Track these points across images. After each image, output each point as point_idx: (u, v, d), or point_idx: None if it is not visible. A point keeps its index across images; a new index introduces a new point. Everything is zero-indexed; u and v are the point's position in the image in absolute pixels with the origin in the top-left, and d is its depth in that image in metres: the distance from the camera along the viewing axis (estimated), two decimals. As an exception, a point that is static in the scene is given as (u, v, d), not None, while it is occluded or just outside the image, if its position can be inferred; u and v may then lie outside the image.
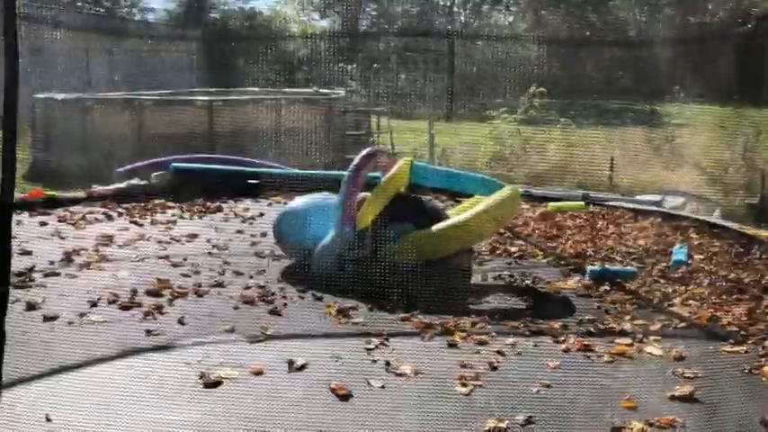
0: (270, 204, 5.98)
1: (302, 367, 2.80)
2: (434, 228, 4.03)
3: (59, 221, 5.15)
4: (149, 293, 3.60)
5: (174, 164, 6.47)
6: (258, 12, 22.08)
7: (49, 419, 2.31)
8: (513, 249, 4.88)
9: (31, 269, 3.90)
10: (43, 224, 5.06)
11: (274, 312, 3.48)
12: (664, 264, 4.54)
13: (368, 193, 4.34)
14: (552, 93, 11.15)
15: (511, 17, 23.43)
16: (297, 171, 6.83)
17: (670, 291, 4.00)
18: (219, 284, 3.84)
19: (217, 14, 22.48)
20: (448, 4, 21.89)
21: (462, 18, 22.90)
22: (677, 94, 10.87)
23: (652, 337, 3.28)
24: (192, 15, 20.88)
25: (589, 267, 4.37)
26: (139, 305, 3.44)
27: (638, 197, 6.46)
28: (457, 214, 4.37)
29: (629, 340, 3.23)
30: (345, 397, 2.57)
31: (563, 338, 3.22)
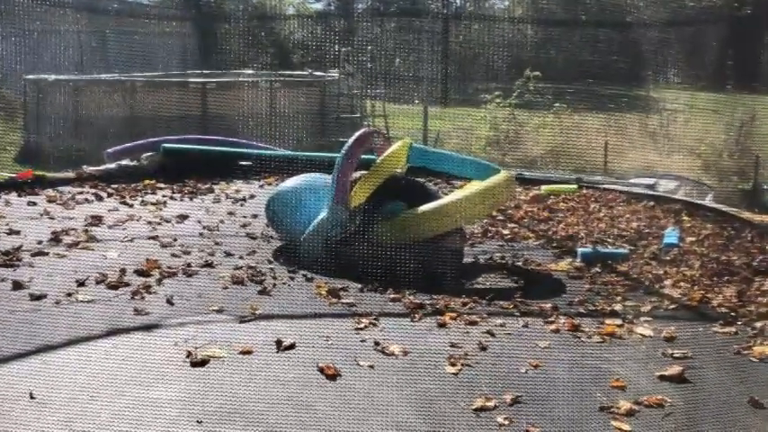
0: (261, 186, 5.95)
1: (291, 347, 2.78)
2: (422, 208, 4.00)
3: (49, 202, 5.11)
4: (138, 273, 3.58)
5: (165, 145, 6.42)
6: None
7: (32, 396, 2.29)
8: (505, 232, 4.87)
9: (19, 248, 3.86)
10: (32, 204, 5.02)
11: (264, 292, 3.46)
12: (655, 246, 4.54)
13: (364, 172, 4.31)
14: (547, 76, 11.11)
15: (507, 1, 23.28)
16: (289, 153, 6.79)
17: (661, 272, 4.00)
18: (209, 264, 3.82)
19: (211, -4, 22.25)
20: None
21: (458, 1, 22.75)
22: (672, 78, 10.85)
23: (642, 318, 3.28)
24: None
25: (580, 249, 4.36)
26: (128, 284, 3.41)
27: (631, 180, 6.45)
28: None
29: (619, 321, 3.23)
30: (333, 377, 2.55)
31: (553, 319, 3.22)
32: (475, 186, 4.31)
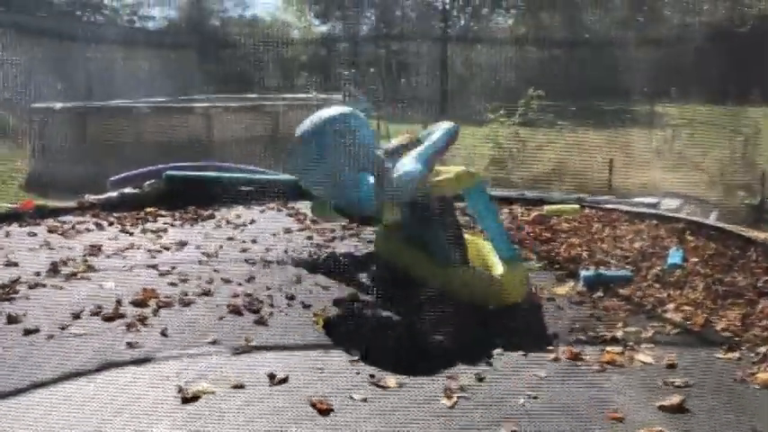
0: (263, 211, 5.94)
1: (284, 380, 2.75)
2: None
3: (49, 232, 5.11)
4: (134, 303, 3.56)
5: (167, 172, 6.43)
6: (257, 17, 22.13)
7: (20, 438, 2.27)
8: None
9: (16, 281, 3.86)
10: (32, 234, 5.03)
11: (260, 322, 3.43)
12: (659, 267, 4.48)
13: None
14: (550, 95, 11.11)
15: (510, 20, 23.40)
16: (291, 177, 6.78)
17: (664, 295, 3.95)
18: (206, 293, 3.80)
19: (216, 22, 22.51)
20: (447, 8, 21.87)
21: (462, 21, 22.89)
22: (675, 94, 10.81)
23: (644, 345, 3.23)
24: (192, 24, 20.90)
25: (583, 273, 4.31)
26: (123, 316, 3.39)
27: (634, 199, 6.40)
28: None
29: (619, 348, 3.18)
30: (326, 411, 2.51)
31: (552, 347, 3.17)
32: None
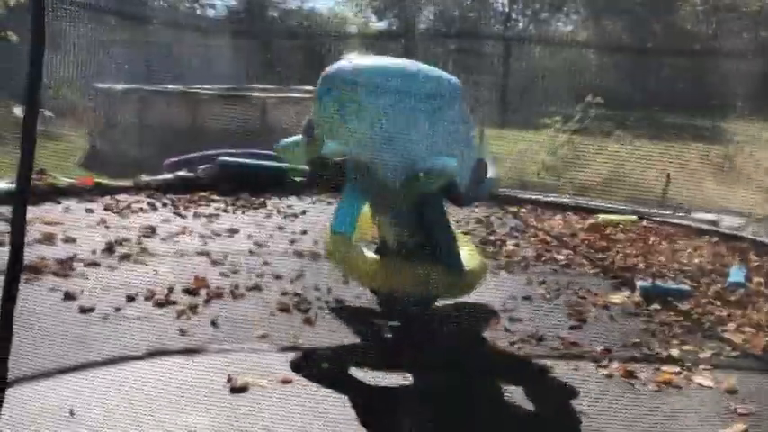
0: (314, 202, 5.94)
1: (328, 378, 2.72)
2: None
3: (105, 210, 5.20)
4: (186, 291, 3.57)
5: (222, 158, 6.49)
6: (314, 10, 22.26)
7: (72, 413, 2.29)
8: (559, 257, 4.74)
9: (73, 258, 3.92)
10: (89, 211, 5.12)
11: (308, 321, 3.38)
12: (719, 285, 4.32)
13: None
14: (609, 103, 10.85)
15: (571, 25, 23.02)
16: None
17: (725, 314, 3.80)
18: (257, 287, 3.74)
19: (275, 13, 22.70)
20: (506, 10, 21.63)
21: (521, 24, 22.60)
22: (741, 110, 10.45)
23: (702, 366, 3.10)
24: (252, 12, 21.12)
25: (639, 282, 4.18)
26: (175, 303, 3.41)
27: (692, 215, 6.20)
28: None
29: (676, 368, 3.06)
30: (370, 410, 2.48)
31: (606, 363, 3.07)
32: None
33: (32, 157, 2.05)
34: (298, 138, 3.52)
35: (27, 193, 2.07)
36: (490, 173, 3.52)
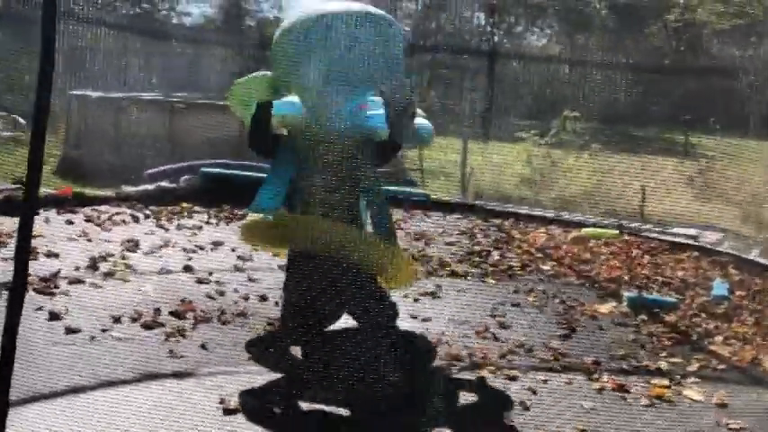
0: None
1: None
2: None
3: (86, 221, 5.12)
4: (173, 314, 3.50)
5: (204, 169, 6.43)
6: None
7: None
8: (545, 268, 4.79)
9: (56, 274, 3.83)
10: (70, 223, 5.03)
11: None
12: (704, 297, 4.39)
13: None
14: (585, 117, 10.98)
15: (544, 39, 23.30)
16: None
17: (711, 327, 3.86)
18: (243, 314, 3.64)
19: (252, 22, 22.63)
20: (482, 23, 21.83)
21: (496, 38, 22.81)
22: (713, 125, 10.65)
23: (691, 380, 3.14)
24: (229, 22, 21.01)
25: (626, 294, 4.24)
26: (162, 325, 3.34)
27: (673, 230, 6.32)
28: None
29: (666, 381, 3.09)
30: None
31: (597, 376, 3.10)
32: None
33: (38, 189, 1.94)
34: (261, 72, 3.48)
35: (28, 247, 1.94)
36: (425, 122, 3.51)
